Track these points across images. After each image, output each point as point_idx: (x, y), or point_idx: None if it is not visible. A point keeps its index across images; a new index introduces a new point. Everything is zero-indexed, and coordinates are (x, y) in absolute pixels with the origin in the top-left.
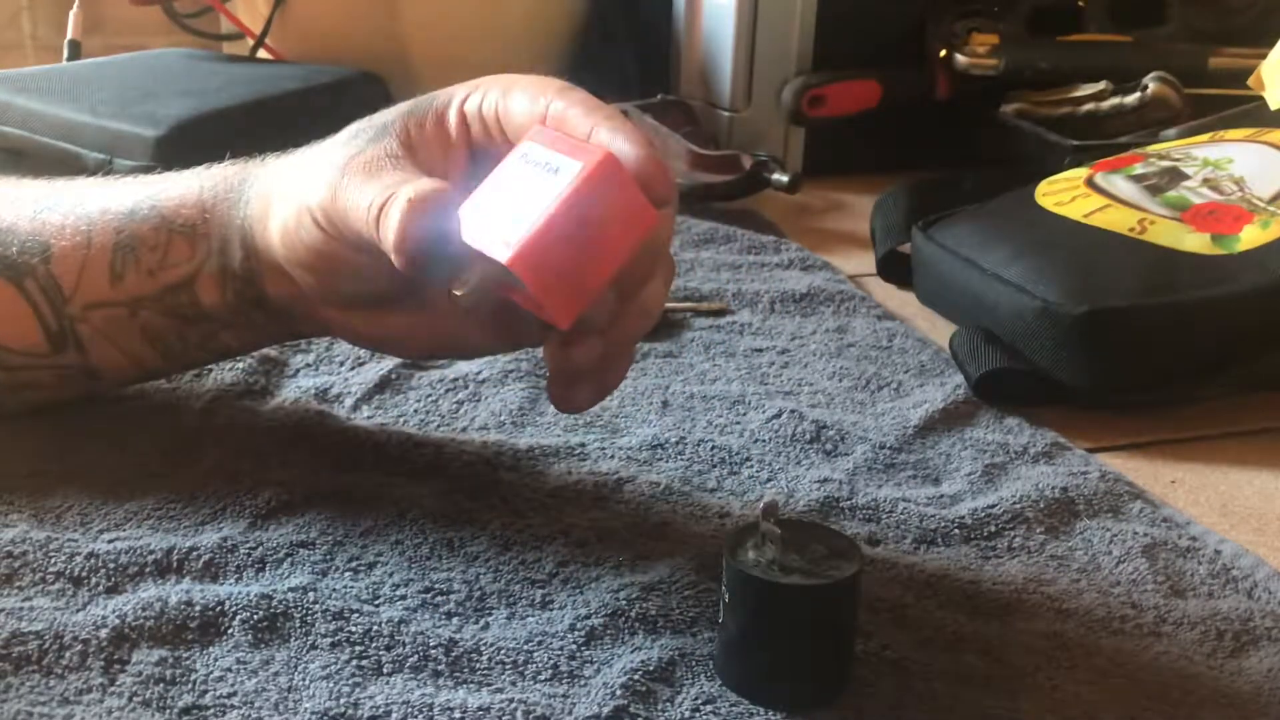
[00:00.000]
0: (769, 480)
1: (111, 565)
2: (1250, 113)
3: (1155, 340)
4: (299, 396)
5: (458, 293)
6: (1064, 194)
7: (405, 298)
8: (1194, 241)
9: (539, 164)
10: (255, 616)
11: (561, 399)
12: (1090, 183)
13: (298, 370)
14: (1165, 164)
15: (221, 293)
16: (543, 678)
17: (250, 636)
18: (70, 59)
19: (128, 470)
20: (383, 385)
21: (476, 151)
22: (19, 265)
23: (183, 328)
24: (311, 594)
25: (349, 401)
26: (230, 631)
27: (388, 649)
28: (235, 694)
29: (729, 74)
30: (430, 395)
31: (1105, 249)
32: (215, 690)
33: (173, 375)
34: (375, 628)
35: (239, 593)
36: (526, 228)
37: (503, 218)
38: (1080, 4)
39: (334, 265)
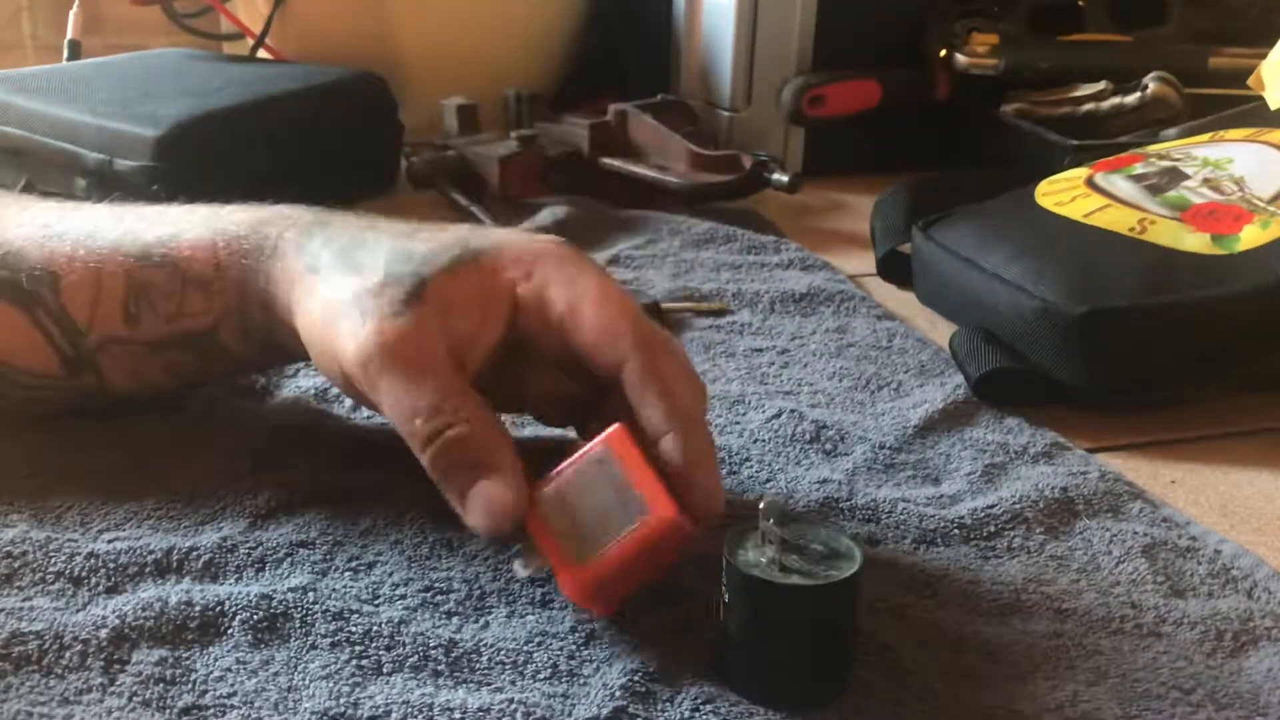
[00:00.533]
0: (769, 480)
1: (111, 565)
2: (1250, 113)
3: (1155, 340)
4: (299, 396)
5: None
6: (1064, 194)
7: None
8: (1194, 241)
9: (613, 483)
10: (255, 616)
11: None
12: (1090, 183)
13: (298, 370)
14: (1165, 164)
15: (245, 342)
16: (542, 677)
17: (250, 636)
18: (70, 59)
19: (128, 470)
20: None
21: (513, 331)
22: (29, 294)
23: (206, 365)
24: (311, 594)
25: (349, 401)
26: (230, 631)
27: (388, 649)
28: (235, 694)
29: (729, 74)
30: None
31: (1105, 249)
32: (215, 690)
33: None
34: (375, 627)
35: (239, 593)
36: (588, 563)
37: (570, 532)
38: (1080, 4)
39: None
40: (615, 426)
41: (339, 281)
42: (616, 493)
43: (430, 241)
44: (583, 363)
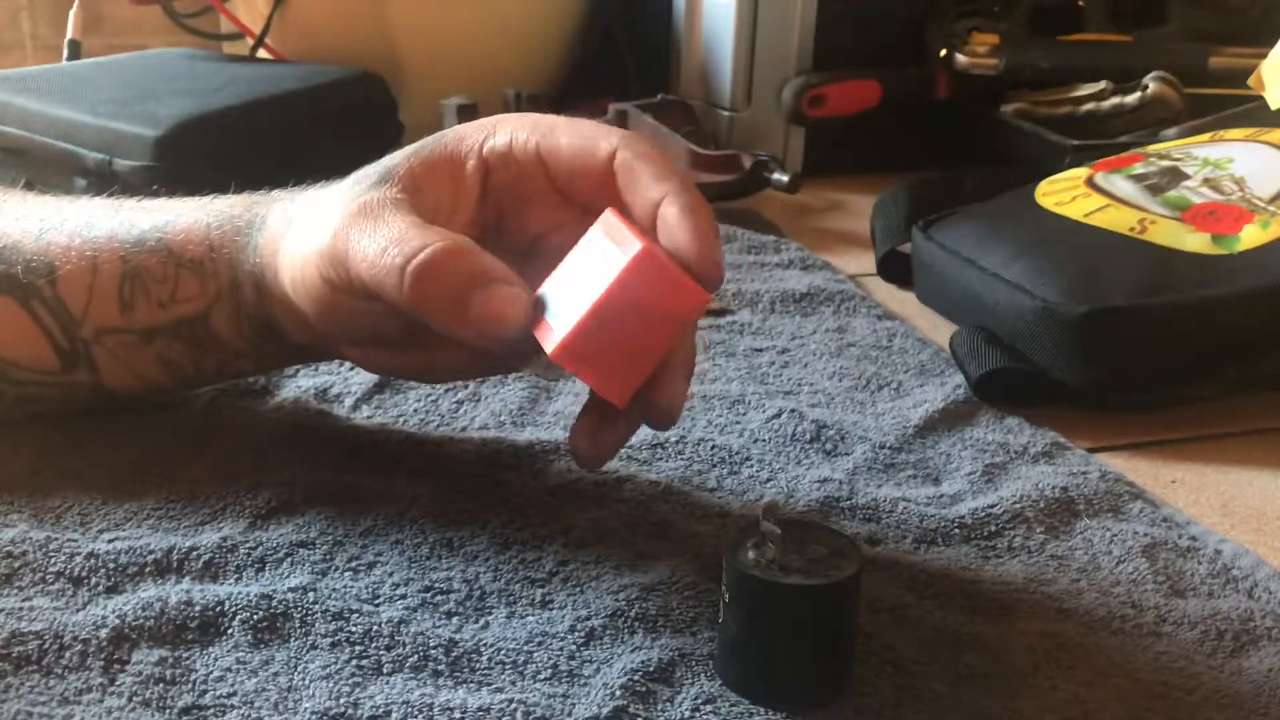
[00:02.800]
0: (769, 480)
1: (111, 565)
2: (1250, 113)
3: (1155, 340)
4: (299, 396)
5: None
6: (1064, 194)
7: (421, 337)
8: (1194, 241)
9: (598, 252)
10: (255, 616)
11: (586, 459)
12: (1090, 182)
13: (298, 370)
14: (1165, 164)
15: (238, 327)
16: (542, 677)
17: (250, 636)
18: (70, 59)
19: (128, 470)
20: (382, 385)
21: (493, 192)
22: (25, 286)
23: (199, 356)
24: (311, 594)
25: (349, 401)
26: (230, 631)
27: (388, 649)
28: (235, 694)
29: (729, 74)
30: (430, 395)
31: (1105, 249)
32: (215, 690)
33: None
34: (375, 627)
35: (239, 593)
36: (570, 321)
37: (559, 308)
38: (1080, 4)
39: (343, 313)
40: (606, 210)
41: (313, 210)
42: (602, 256)
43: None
44: (568, 190)
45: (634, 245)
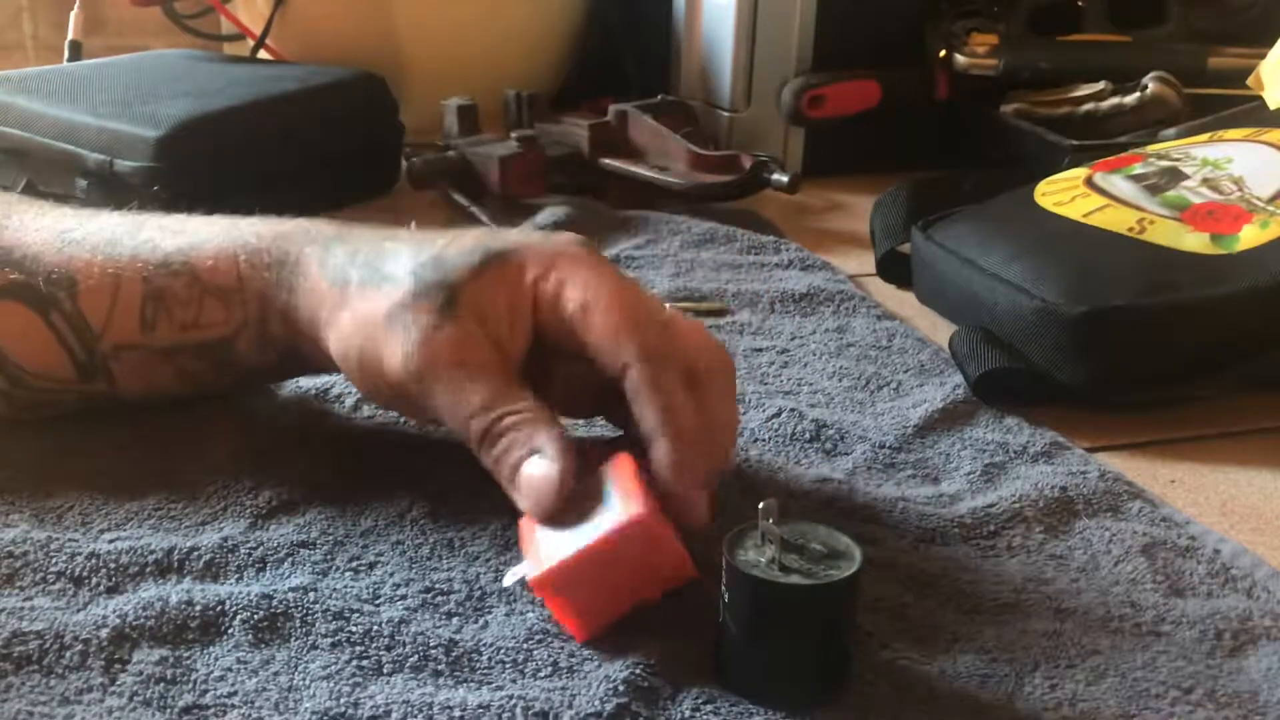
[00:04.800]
0: (769, 480)
1: (112, 565)
2: (1250, 113)
3: (1155, 340)
4: (299, 396)
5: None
6: (1064, 194)
7: None
8: (1193, 241)
9: (600, 497)
10: (256, 616)
11: None
12: (1090, 182)
13: None
14: (1164, 164)
15: (264, 353)
16: (543, 675)
17: (251, 636)
18: (71, 60)
19: (129, 470)
20: None
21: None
22: (46, 297)
23: (219, 373)
24: (312, 594)
25: (349, 401)
26: (231, 631)
27: (388, 649)
28: (236, 693)
29: (729, 74)
30: None
31: (1105, 249)
32: (216, 690)
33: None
34: (375, 627)
35: (239, 592)
36: (555, 557)
37: (555, 537)
38: (1080, 4)
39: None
40: (621, 453)
41: (370, 296)
42: (602, 502)
43: (451, 247)
44: (593, 360)
45: (634, 508)
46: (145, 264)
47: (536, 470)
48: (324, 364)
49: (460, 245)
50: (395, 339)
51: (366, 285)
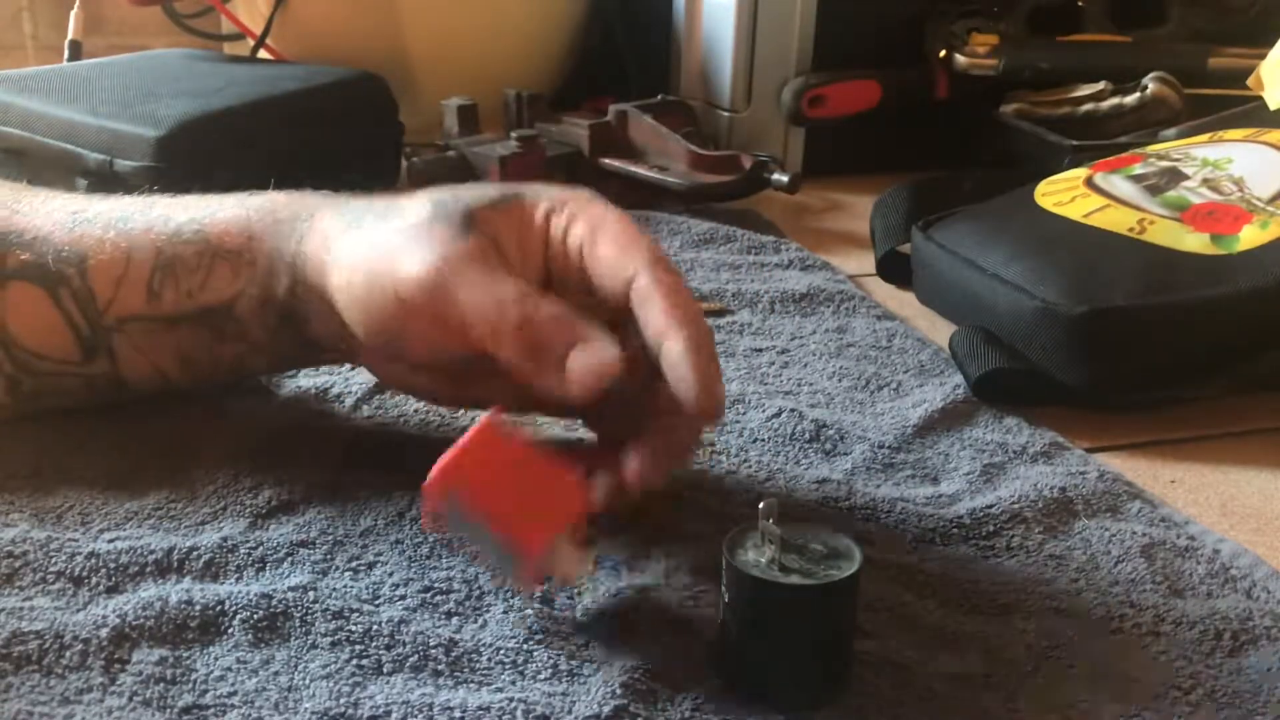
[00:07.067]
0: (769, 480)
1: (112, 565)
2: (1250, 113)
3: (1155, 340)
4: (299, 396)
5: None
6: (1063, 194)
7: (475, 370)
8: (1193, 241)
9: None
10: (255, 616)
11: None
12: (1090, 183)
13: (299, 370)
14: (1164, 164)
15: (262, 318)
16: (543, 677)
17: (250, 636)
18: (71, 59)
19: (128, 470)
20: (383, 385)
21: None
22: (54, 274)
23: (216, 346)
24: (311, 593)
25: (349, 401)
26: (230, 631)
27: (388, 648)
28: (235, 693)
29: (729, 74)
30: None
31: (1105, 249)
32: (215, 690)
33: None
34: (375, 627)
35: (239, 592)
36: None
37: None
38: (1080, 4)
39: (403, 334)
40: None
41: (386, 226)
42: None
43: (467, 190)
44: (596, 289)
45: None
46: (158, 235)
47: (592, 354)
48: (319, 329)
49: (477, 188)
50: (414, 250)
51: (382, 220)
